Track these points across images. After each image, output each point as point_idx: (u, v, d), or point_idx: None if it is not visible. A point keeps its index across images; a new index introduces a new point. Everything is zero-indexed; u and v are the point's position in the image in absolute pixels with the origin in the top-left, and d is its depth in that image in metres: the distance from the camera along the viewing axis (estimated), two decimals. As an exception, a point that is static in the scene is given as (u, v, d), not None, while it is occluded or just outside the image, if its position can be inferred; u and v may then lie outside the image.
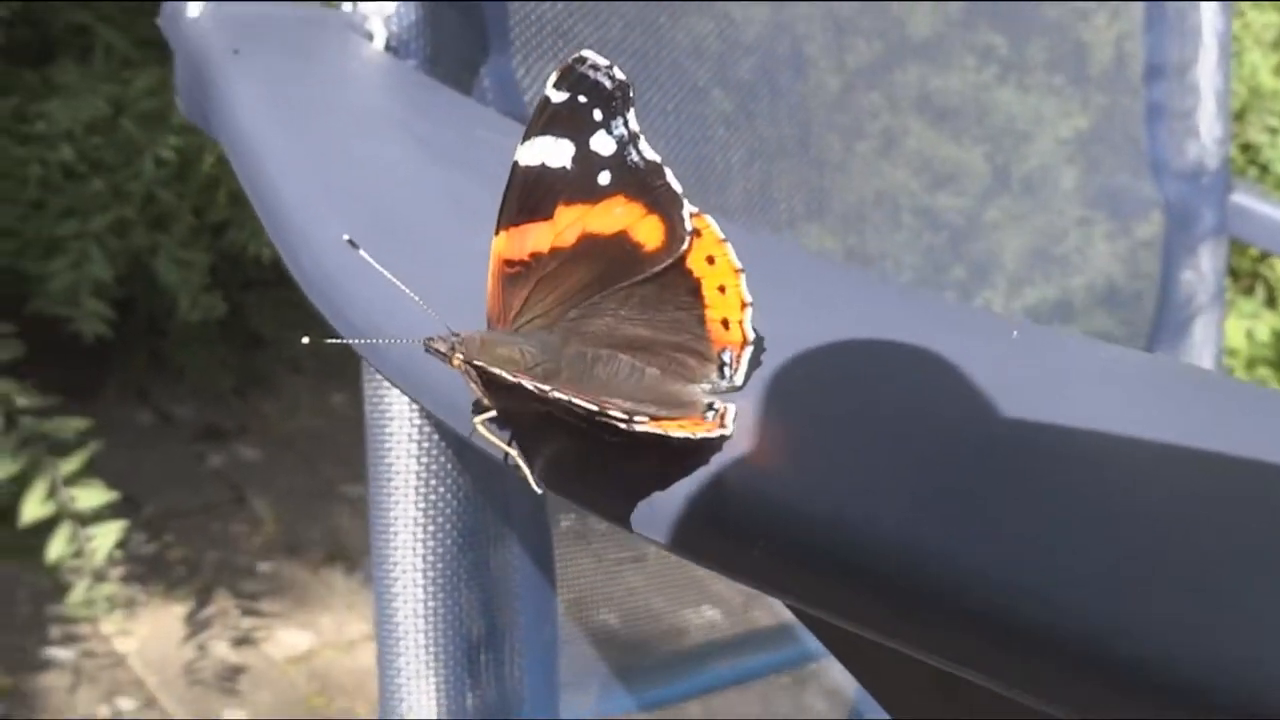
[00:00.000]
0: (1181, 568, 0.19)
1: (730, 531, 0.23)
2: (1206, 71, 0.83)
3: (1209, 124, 0.84)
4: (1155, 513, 0.20)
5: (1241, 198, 0.85)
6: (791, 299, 0.30)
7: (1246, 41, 1.23)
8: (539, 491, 0.27)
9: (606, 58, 0.30)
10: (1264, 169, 1.26)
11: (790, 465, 0.23)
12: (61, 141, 1.30)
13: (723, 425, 0.26)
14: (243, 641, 1.38)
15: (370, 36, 0.48)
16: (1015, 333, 0.27)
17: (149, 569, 1.45)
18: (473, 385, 0.28)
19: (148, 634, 1.37)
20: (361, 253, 0.29)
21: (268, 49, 0.42)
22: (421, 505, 0.49)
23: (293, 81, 0.40)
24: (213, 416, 1.70)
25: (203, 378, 1.67)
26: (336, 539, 1.53)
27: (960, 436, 0.22)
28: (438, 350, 0.28)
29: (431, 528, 0.50)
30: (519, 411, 0.28)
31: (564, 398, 0.25)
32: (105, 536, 1.19)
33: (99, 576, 1.21)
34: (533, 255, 0.30)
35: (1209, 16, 0.82)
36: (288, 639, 1.40)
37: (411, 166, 0.35)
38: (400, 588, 0.50)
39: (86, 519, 1.20)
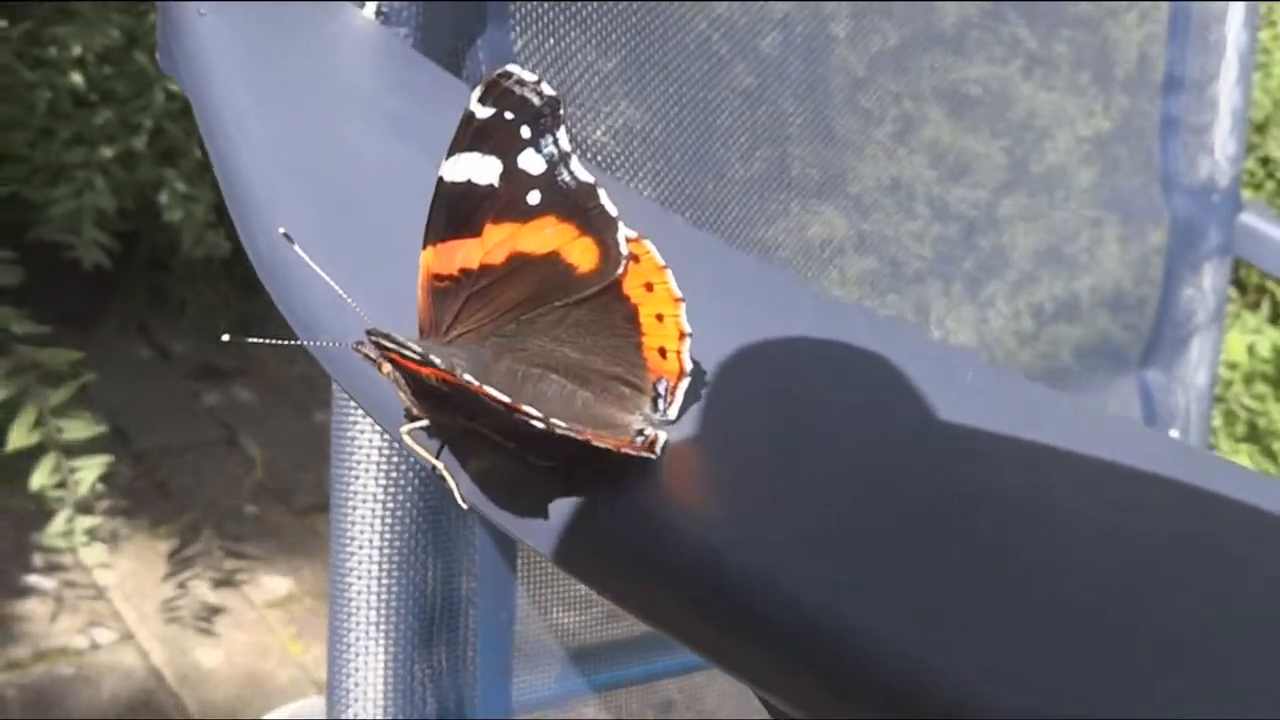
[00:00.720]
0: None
1: (653, 577, 0.22)
2: (1226, 88, 0.81)
3: (1224, 141, 0.82)
4: (1066, 600, 0.19)
5: (1250, 218, 0.83)
6: (741, 325, 0.29)
7: (1277, 54, 1.20)
8: (464, 507, 0.26)
9: (535, 72, 0.29)
10: (1281, 185, 1.25)
11: (721, 515, 0.23)
12: (72, 68, 1.29)
13: (650, 450, 0.25)
14: (224, 583, 1.38)
15: (361, 2, 0.47)
16: (970, 375, 0.26)
17: (136, 503, 1.45)
18: (401, 394, 0.27)
19: (130, 568, 1.37)
20: (296, 248, 0.28)
21: (249, 8, 0.41)
22: (383, 482, 0.49)
23: (269, 45, 0.39)
24: (211, 355, 1.69)
25: (203, 316, 1.66)
26: (325, 487, 1.52)
27: (891, 502, 0.22)
28: (366, 355, 0.27)
29: (391, 504, 0.49)
30: (448, 424, 0.27)
31: (484, 390, 0.24)
32: (89, 469, 1.19)
33: (81, 509, 1.21)
34: (462, 271, 0.29)
35: (1233, 32, 0.80)
36: (269, 583, 1.40)
37: (379, 148, 0.34)
38: (356, 563, 0.49)
39: (72, 450, 1.20)
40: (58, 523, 1.21)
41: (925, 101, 0.96)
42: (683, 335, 0.28)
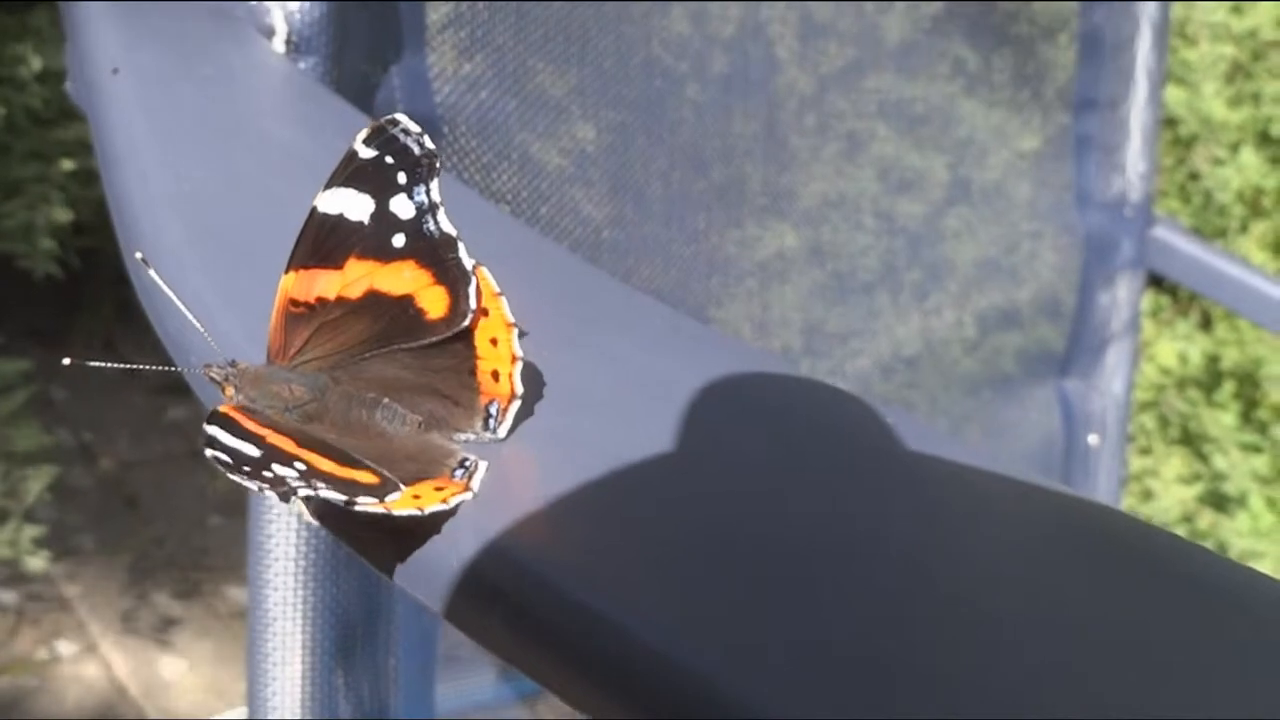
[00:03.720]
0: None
1: (472, 592, 0.24)
2: (1136, 108, 0.84)
3: (1134, 159, 0.85)
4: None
5: (1162, 232, 0.87)
6: (596, 350, 0.30)
7: (1202, 72, 1.24)
8: (313, 524, 0.28)
9: (418, 126, 0.31)
10: (1207, 196, 1.28)
11: (538, 535, 0.24)
12: (32, 85, 1.31)
13: (467, 488, 0.27)
14: (188, 593, 1.39)
15: (270, 32, 0.49)
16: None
17: (100, 515, 1.46)
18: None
19: (93, 579, 1.38)
20: (151, 273, 0.30)
21: (154, 41, 0.43)
22: (297, 495, 0.51)
23: (170, 80, 0.41)
24: (177, 372, 1.70)
25: (168, 330, 1.67)
26: (288, 498, 1.54)
27: (730, 540, 0.23)
28: (213, 379, 0.29)
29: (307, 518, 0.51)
30: None
31: (291, 473, 0.26)
32: (37, 479, 1.21)
33: (28, 517, 1.22)
34: (319, 300, 0.31)
35: (1143, 54, 0.83)
36: (232, 594, 1.41)
37: (269, 182, 0.36)
38: (272, 575, 0.51)
39: (20, 459, 1.22)
40: (4, 531, 1.23)
41: (872, 118, 0.99)
42: (514, 359, 0.30)
